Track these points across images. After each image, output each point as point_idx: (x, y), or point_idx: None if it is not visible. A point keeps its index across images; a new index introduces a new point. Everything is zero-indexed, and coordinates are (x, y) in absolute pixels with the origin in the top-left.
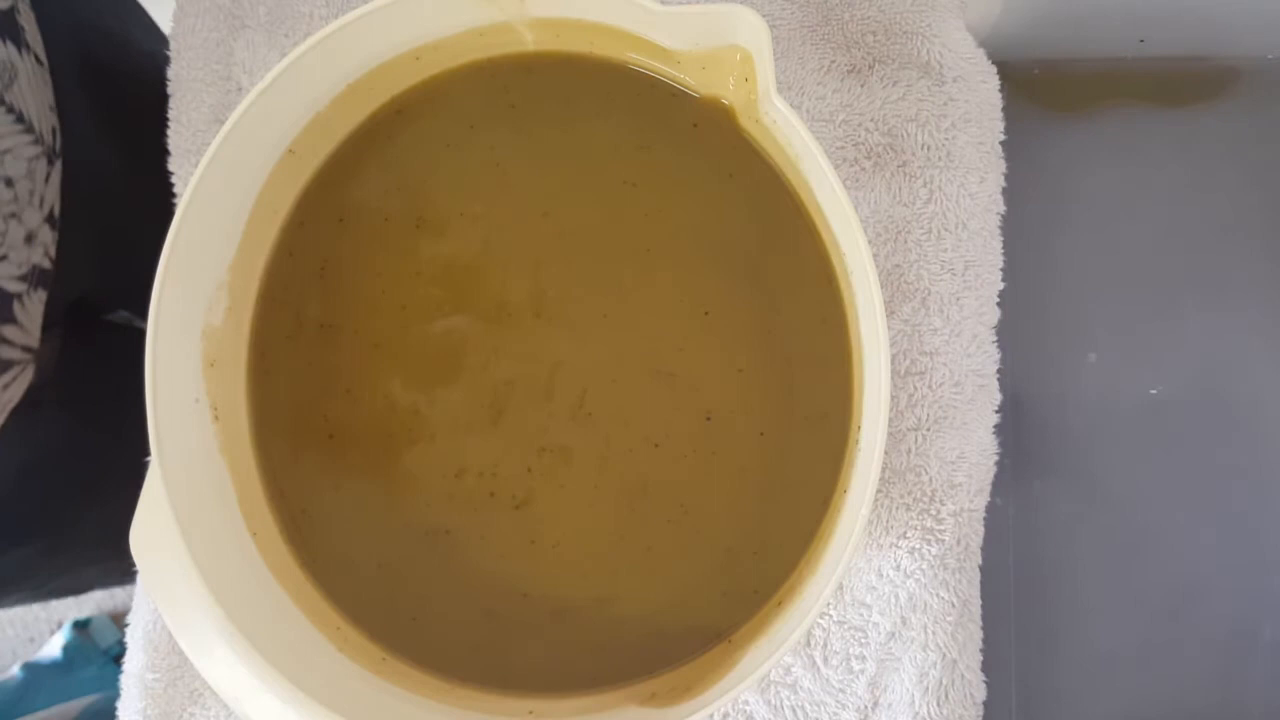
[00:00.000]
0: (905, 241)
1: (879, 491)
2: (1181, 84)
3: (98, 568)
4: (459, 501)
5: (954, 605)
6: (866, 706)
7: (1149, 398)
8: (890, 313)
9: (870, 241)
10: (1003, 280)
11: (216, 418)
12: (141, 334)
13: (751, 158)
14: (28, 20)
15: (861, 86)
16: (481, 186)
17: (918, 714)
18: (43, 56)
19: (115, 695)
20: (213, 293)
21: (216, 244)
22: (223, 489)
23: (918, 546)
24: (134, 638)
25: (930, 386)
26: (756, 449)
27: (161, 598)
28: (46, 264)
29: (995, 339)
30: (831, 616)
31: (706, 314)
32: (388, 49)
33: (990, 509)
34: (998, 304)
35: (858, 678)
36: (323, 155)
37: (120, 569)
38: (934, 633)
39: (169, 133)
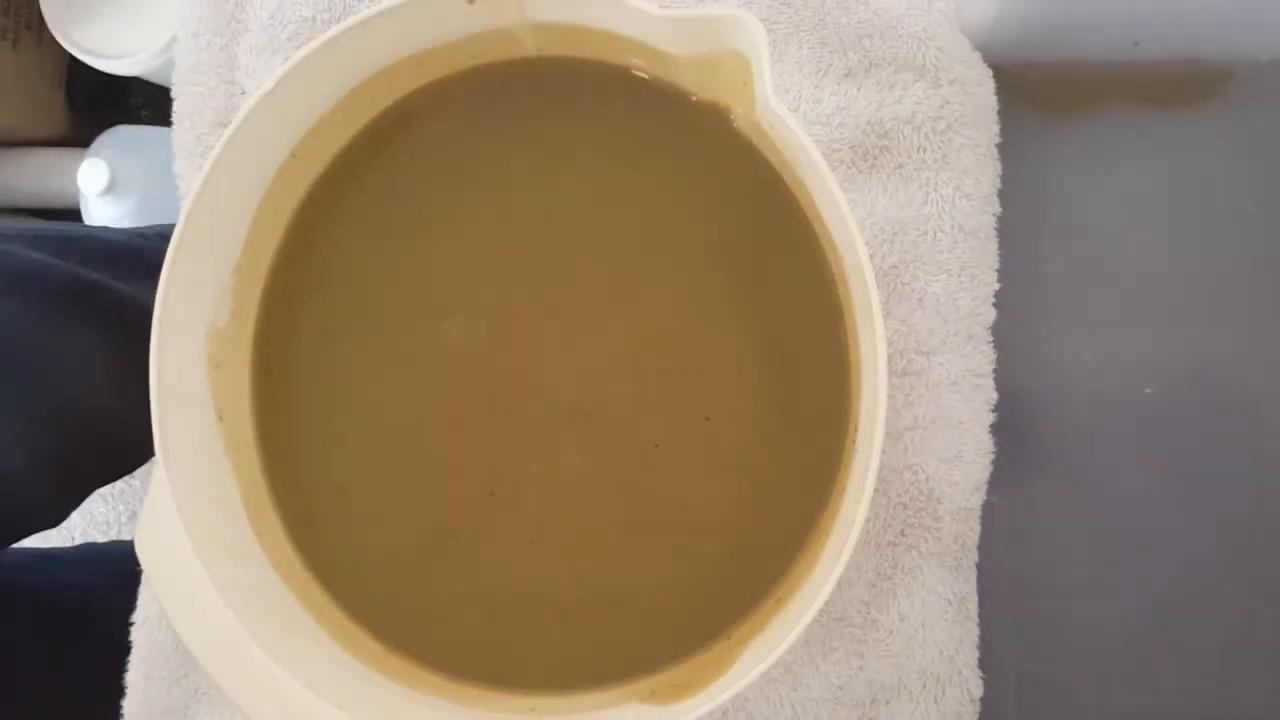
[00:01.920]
0: (901, 243)
1: (876, 490)
2: (1176, 86)
3: None
4: (460, 501)
5: (951, 603)
6: (865, 703)
7: (1144, 396)
8: (887, 313)
9: (867, 243)
10: (998, 281)
11: (221, 419)
12: None
13: (750, 160)
14: None
15: (858, 89)
16: (483, 189)
17: (915, 711)
18: None
19: None
20: (217, 295)
21: (221, 247)
22: (228, 490)
23: (915, 544)
24: (139, 636)
25: (927, 386)
26: (756, 449)
27: (167, 597)
28: None
29: (991, 339)
30: (830, 614)
31: (707, 315)
32: (389, 54)
33: (986, 507)
34: (993, 304)
35: (856, 675)
36: (326, 159)
37: None
38: (931, 630)
39: (173, 135)
